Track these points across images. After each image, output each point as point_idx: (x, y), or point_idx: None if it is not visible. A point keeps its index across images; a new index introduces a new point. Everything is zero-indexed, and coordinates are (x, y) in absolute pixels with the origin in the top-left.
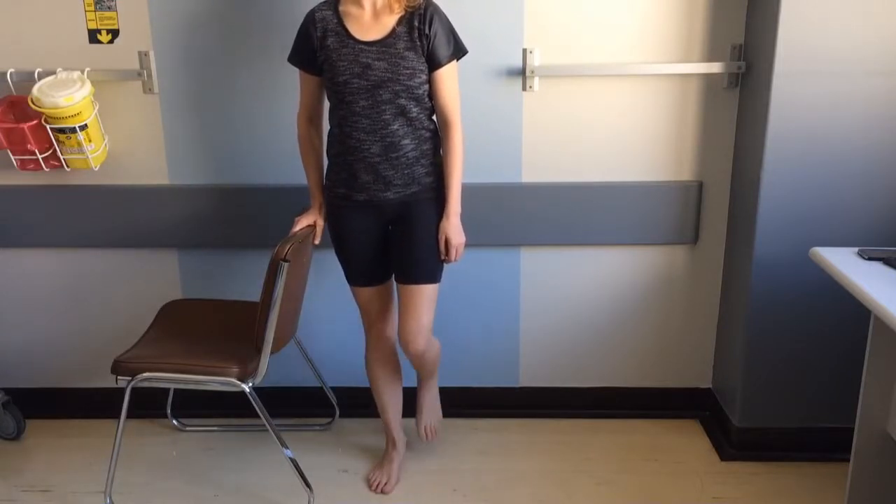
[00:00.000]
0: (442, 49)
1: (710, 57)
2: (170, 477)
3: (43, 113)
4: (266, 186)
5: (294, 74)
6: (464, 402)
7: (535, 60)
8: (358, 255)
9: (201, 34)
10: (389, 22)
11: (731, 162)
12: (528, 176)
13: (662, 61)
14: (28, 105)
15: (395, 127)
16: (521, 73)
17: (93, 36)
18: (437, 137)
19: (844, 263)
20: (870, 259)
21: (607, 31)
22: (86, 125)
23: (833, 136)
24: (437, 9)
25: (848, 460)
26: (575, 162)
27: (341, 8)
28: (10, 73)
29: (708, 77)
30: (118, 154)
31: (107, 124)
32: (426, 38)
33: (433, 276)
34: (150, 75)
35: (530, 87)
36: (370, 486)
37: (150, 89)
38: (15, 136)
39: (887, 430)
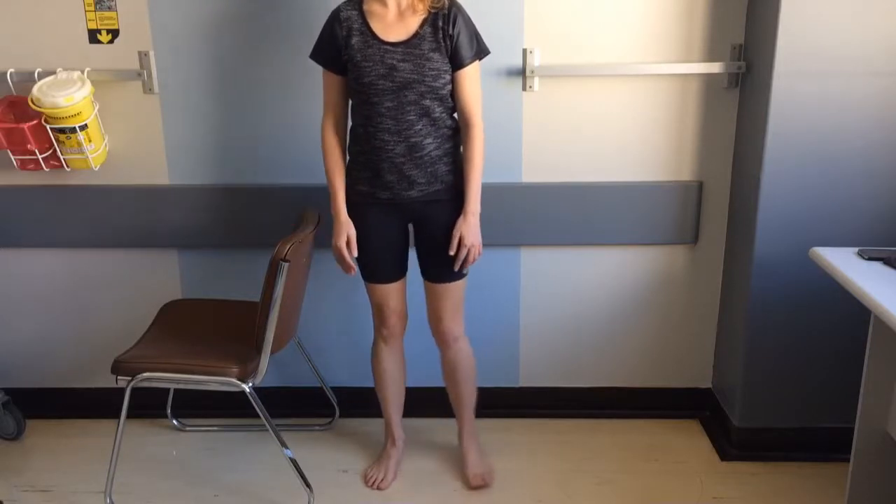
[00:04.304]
0: (465, 49)
1: (710, 57)
2: (170, 477)
3: (43, 113)
4: (266, 186)
5: (295, 74)
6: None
7: (535, 60)
8: (377, 253)
9: (201, 34)
10: (413, 22)
11: (731, 162)
12: (529, 176)
13: (662, 61)
14: (28, 105)
15: (419, 127)
16: (521, 73)
17: (93, 36)
18: (458, 135)
19: (844, 263)
20: (870, 259)
21: (607, 31)
22: (86, 125)
23: (833, 136)
24: (460, 9)
25: (848, 460)
26: (575, 162)
27: (365, 7)
28: (10, 73)
29: (708, 77)
30: (118, 154)
31: (107, 124)
32: (450, 39)
33: (462, 275)
34: (150, 75)
35: (530, 87)
36: (366, 482)
37: (150, 89)
38: (15, 136)
39: (887, 430)
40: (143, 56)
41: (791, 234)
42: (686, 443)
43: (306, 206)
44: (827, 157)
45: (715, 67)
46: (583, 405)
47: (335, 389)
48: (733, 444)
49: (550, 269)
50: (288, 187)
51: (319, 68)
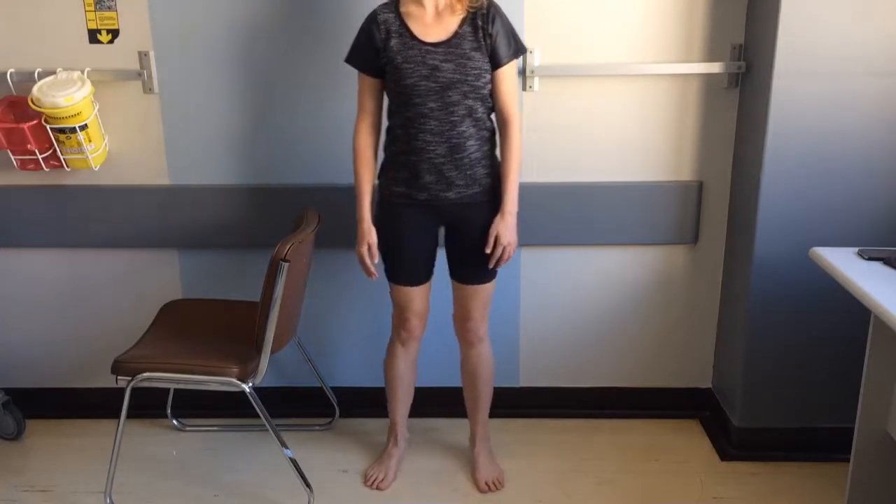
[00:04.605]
0: (503, 48)
1: (710, 57)
2: (170, 477)
3: (43, 113)
4: (266, 186)
5: (296, 73)
6: (460, 402)
7: (535, 60)
8: (407, 254)
9: (201, 34)
10: (452, 22)
11: (731, 162)
12: (529, 176)
13: (662, 61)
14: (28, 105)
15: (463, 128)
16: (521, 73)
17: (93, 36)
18: (494, 137)
19: (844, 263)
20: (870, 259)
21: (607, 31)
22: (86, 125)
23: (833, 136)
24: (498, 9)
25: (848, 460)
26: (575, 162)
27: (402, 9)
28: (10, 73)
29: (708, 77)
30: (118, 154)
31: (107, 124)
32: (490, 38)
33: (492, 276)
34: (150, 75)
35: (530, 87)
36: (366, 482)
37: (150, 89)
38: (15, 136)
39: (887, 430)
40: (143, 56)
41: (791, 234)
42: (686, 443)
43: (306, 206)
44: (827, 157)
45: (715, 67)
46: (583, 405)
47: (335, 389)
48: (733, 444)
49: (550, 269)
50: (288, 187)
51: (321, 67)
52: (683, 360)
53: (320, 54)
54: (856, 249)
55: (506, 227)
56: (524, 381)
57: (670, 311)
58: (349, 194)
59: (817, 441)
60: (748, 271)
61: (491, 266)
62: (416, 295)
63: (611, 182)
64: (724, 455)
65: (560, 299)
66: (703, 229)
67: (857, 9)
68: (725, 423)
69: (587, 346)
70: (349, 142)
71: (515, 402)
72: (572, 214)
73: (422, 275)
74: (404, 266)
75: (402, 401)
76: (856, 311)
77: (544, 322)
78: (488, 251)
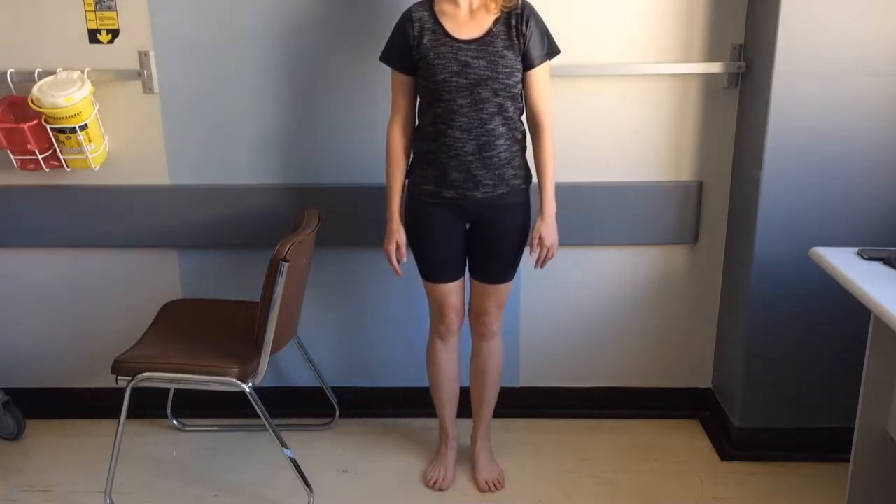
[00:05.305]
0: (536, 49)
1: (710, 57)
2: (170, 477)
3: (43, 113)
4: (266, 186)
5: (296, 73)
6: (464, 402)
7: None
8: (439, 252)
9: (201, 34)
10: (486, 21)
11: (731, 162)
12: None
13: (662, 61)
14: (28, 105)
15: (492, 126)
16: None
17: (93, 36)
18: (525, 139)
19: (844, 263)
20: (870, 259)
21: (607, 31)
22: (86, 125)
23: (833, 136)
24: (533, 10)
25: (848, 460)
26: (575, 162)
27: (437, 7)
28: (10, 73)
29: (708, 77)
30: (118, 154)
31: (107, 124)
32: (523, 38)
33: (511, 276)
34: (150, 75)
35: None
36: (427, 483)
37: (150, 89)
38: (15, 136)
39: (887, 430)
40: (143, 56)
41: (791, 234)
42: (686, 443)
43: (306, 206)
44: (827, 157)
45: (715, 67)
46: (583, 405)
47: (335, 389)
48: (733, 444)
49: (550, 269)
50: (288, 187)
51: (320, 67)
52: (683, 360)
53: (319, 54)
54: (856, 249)
55: (547, 228)
56: (524, 381)
57: (670, 311)
58: (349, 194)
59: (817, 441)
60: (748, 271)
61: (535, 267)
62: (450, 291)
63: (611, 182)
64: (724, 455)
65: (560, 299)
66: (703, 229)
67: (857, 9)
68: (725, 423)
69: (587, 346)
70: (350, 141)
71: (516, 402)
72: (572, 214)
73: (455, 272)
74: (436, 265)
75: (448, 398)
76: (856, 311)
77: (544, 322)
78: (532, 253)
